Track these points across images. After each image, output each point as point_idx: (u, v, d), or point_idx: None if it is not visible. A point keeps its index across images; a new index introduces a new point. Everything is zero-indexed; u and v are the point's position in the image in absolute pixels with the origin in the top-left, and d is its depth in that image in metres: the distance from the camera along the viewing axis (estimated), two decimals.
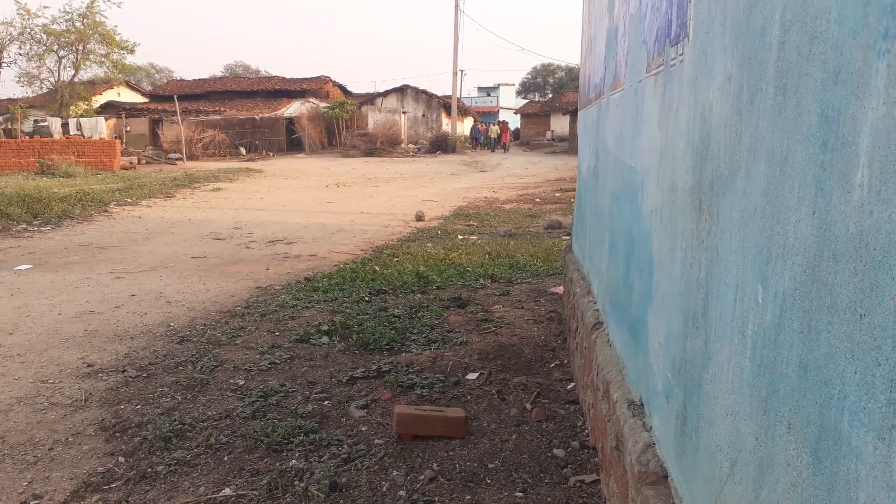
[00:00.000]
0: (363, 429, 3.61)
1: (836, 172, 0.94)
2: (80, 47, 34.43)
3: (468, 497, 2.94)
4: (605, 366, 2.86)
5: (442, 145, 36.57)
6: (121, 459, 3.33)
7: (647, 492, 1.90)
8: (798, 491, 1.03)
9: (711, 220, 1.55)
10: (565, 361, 4.58)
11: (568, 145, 36.55)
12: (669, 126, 2.03)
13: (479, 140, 43.67)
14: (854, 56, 0.89)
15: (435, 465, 3.20)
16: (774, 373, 1.14)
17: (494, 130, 43.63)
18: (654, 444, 2.04)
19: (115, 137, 30.11)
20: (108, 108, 36.48)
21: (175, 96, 34.57)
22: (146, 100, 42.51)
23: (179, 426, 3.63)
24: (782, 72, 1.14)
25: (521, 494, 2.95)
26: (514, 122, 53.92)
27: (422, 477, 3.10)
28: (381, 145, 34.43)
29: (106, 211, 13.67)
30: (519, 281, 7.06)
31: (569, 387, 4.14)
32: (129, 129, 34.55)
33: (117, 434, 3.61)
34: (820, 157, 0.99)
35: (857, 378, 0.86)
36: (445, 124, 41.03)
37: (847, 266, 0.89)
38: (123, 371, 4.55)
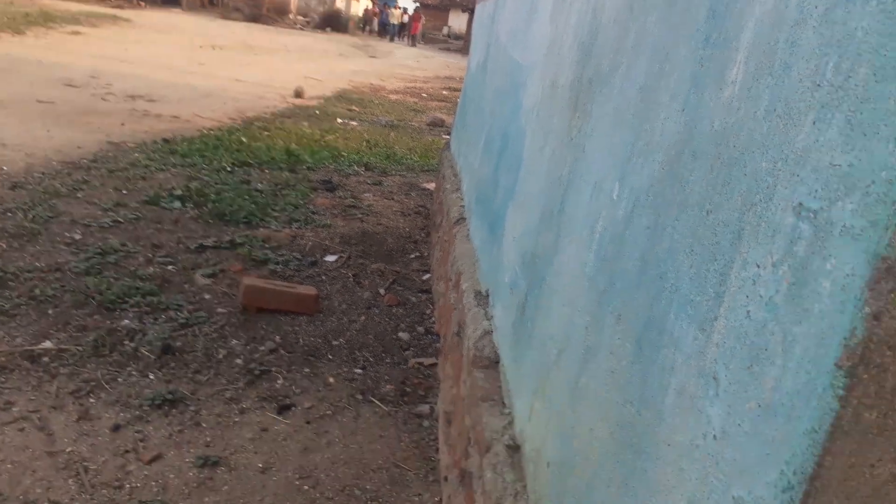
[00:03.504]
0: (207, 297, 3.47)
1: (713, 68, 0.92)
2: None
3: (307, 370, 2.94)
4: (461, 258, 2.89)
5: (334, 23, 34.64)
6: None
7: (477, 374, 1.95)
8: (615, 377, 1.07)
9: (584, 117, 1.53)
10: (426, 254, 4.62)
11: (463, 44, 35.74)
12: (561, 20, 1.97)
13: (387, 28, 37.02)
14: None
15: (278, 337, 3.16)
16: (615, 267, 1.16)
17: (396, 15, 37.17)
18: (492, 331, 2.10)
19: None
20: None
21: None
22: None
23: (1, 274, 3.31)
24: None
25: (360, 371, 2.99)
26: (412, 10, 51.87)
27: (262, 348, 3.05)
28: (268, 13, 32.07)
29: None
30: (393, 173, 6.97)
31: (424, 277, 4.20)
32: None
33: None
34: (700, 53, 0.96)
35: (691, 273, 0.87)
36: (340, 1, 38.78)
37: (704, 163, 0.89)
38: None
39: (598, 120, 1.42)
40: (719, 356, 0.77)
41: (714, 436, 0.75)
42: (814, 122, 0.66)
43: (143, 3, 31.05)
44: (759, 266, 0.72)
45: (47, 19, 17.51)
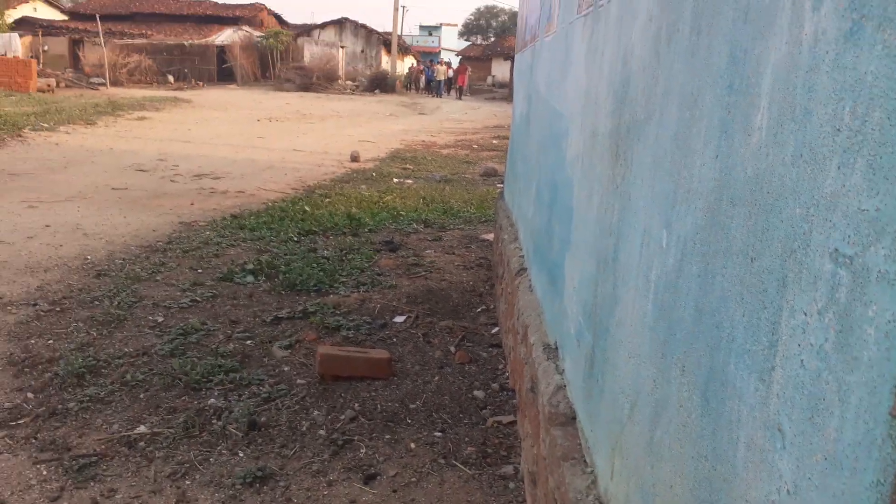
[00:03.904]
0: (285, 369, 3.58)
1: (739, 114, 0.93)
2: None
3: (388, 436, 2.96)
4: (526, 310, 2.89)
5: (381, 84, 35.73)
6: (30, 395, 3.20)
7: (555, 432, 1.94)
8: (688, 431, 1.06)
9: (626, 165, 1.55)
10: (492, 307, 4.63)
11: (508, 91, 36.16)
12: (594, 70, 2.00)
13: (432, 83, 36.82)
14: None
15: (356, 405, 3.21)
16: (673, 316, 1.16)
17: (442, 71, 36.64)
18: (565, 386, 2.09)
19: (31, 57, 28.14)
20: (23, 25, 33.92)
21: (98, 16, 32.39)
22: (66, 18, 39.68)
23: (93, 362, 3.51)
24: (699, 11, 1.12)
25: (440, 434, 3.00)
26: (455, 64, 53.00)
27: (342, 416, 3.10)
28: (318, 80, 33.40)
29: (20, 136, 12.84)
30: (452, 227, 7.06)
31: (493, 331, 4.20)
32: (46, 48, 32.35)
33: (26, 369, 3.46)
34: (726, 100, 0.98)
35: (744, 321, 0.87)
36: (385, 62, 40.03)
37: (743, 210, 0.89)
38: (35, 305, 4.34)
39: (639, 168, 1.43)
40: (781, 407, 0.76)
41: (787, 490, 0.74)
42: (838, 167, 0.67)
43: (201, 83, 32.89)
44: (805, 314, 0.71)
45: (115, 108, 18.75)
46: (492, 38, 63.23)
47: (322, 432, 2.97)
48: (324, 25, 40.26)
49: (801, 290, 0.73)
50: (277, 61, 35.91)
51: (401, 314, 4.40)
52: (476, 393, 3.38)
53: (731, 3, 0.97)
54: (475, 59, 51.08)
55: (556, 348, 2.34)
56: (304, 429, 3.00)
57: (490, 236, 6.44)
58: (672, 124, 1.22)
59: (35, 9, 37.89)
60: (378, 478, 2.68)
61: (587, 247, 1.93)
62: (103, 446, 2.82)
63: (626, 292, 1.47)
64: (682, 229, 1.13)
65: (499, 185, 9.37)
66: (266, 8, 42.22)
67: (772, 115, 0.82)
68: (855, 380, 0.63)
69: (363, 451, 2.86)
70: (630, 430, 1.39)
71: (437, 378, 3.52)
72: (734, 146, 0.93)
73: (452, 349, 3.89)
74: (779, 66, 0.81)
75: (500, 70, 46.75)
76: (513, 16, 63.41)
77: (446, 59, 43.13)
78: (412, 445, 2.90)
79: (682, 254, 1.13)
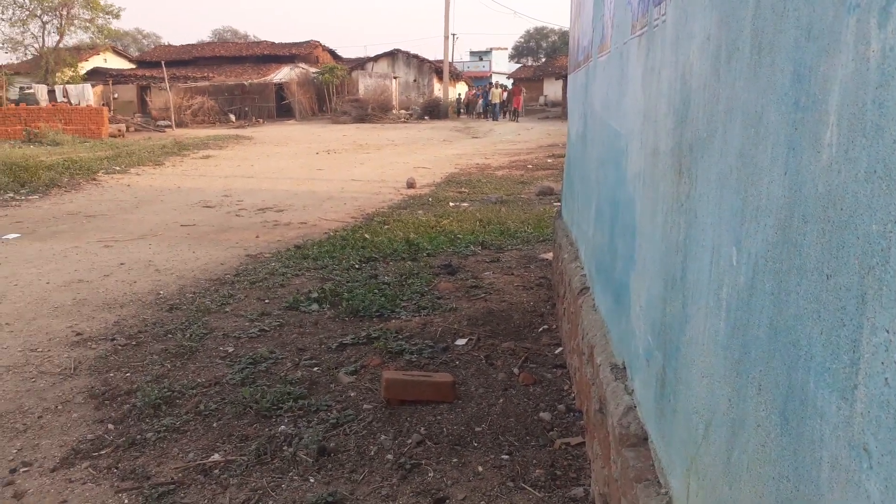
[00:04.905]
0: (352, 394, 3.64)
1: (807, 132, 0.92)
2: (64, 12, 33.76)
3: (455, 460, 2.97)
4: (590, 330, 2.87)
5: (434, 111, 36.18)
6: (110, 426, 3.34)
7: (627, 454, 1.92)
8: (767, 451, 1.04)
9: (690, 182, 1.54)
10: (554, 326, 4.60)
11: (561, 110, 35.92)
12: (652, 88, 2.00)
13: (489, 108, 35.88)
14: (826, 11, 0.87)
15: (422, 429, 3.23)
16: (747, 335, 1.14)
17: (497, 94, 35.85)
18: (635, 406, 2.06)
19: (103, 104, 29.69)
20: (95, 75, 35.91)
21: (163, 62, 33.99)
22: (133, 66, 41.81)
23: (168, 393, 3.64)
24: (758, 30, 1.12)
25: (507, 457, 2.99)
26: (508, 85, 53.13)
27: (409, 441, 3.13)
28: (372, 111, 34.08)
29: (94, 179, 13.54)
30: (509, 248, 7.06)
31: (556, 351, 4.17)
32: (116, 96, 34.08)
33: (107, 402, 3.62)
34: (792, 117, 0.97)
35: (822, 339, 0.86)
36: (437, 89, 40.55)
37: (815, 227, 0.89)
38: (112, 339, 4.55)
39: (705, 185, 1.43)
40: (866, 426, 0.75)
41: None
42: None
43: (261, 120, 33.98)
44: (888, 331, 0.70)
45: (181, 148, 19.57)
46: (542, 59, 63.25)
47: (390, 457, 3.00)
48: (377, 58, 41.16)
49: (882, 308, 0.72)
50: (333, 95, 36.84)
51: (462, 337, 4.42)
52: (542, 415, 3.36)
53: (793, 21, 0.97)
54: (526, 80, 51.15)
55: (624, 368, 2.31)
56: (373, 453, 3.03)
57: (549, 255, 6.41)
58: (736, 141, 1.22)
59: (105, 59, 40.06)
60: (447, 501, 2.69)
61: (653, 264, 1.91)
62: (180, 474, 2.92)
63: (697, 311, 1.46)
64: (752, 246, 1.12)
65: (556, 204, 9.33)
66: (321, 45, 43.45)
67: (841, 131, 0.82)
68: None
69: (431, 474, 2.87)
70: (705, 450, 1.36)
71: (501, 400, 3.51)
72: (803, 163, 0.93)
73: (516, 371, 3.88)
74: (846, 83, 0.81)
75: (551, 89, 46.71)
76: (563, 35, 63.40)
77: (501, 83, 43.11)
78: (480, 468, 2.90)
79: (753, 271, 1.12)
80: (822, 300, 0.86)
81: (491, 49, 68.46)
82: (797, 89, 0.96)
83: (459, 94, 43.19)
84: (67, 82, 32.31)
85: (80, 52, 36.39)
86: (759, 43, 1.12)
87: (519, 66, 64.06)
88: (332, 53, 44.96)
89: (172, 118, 30.78)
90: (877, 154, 0.74)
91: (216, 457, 3.04)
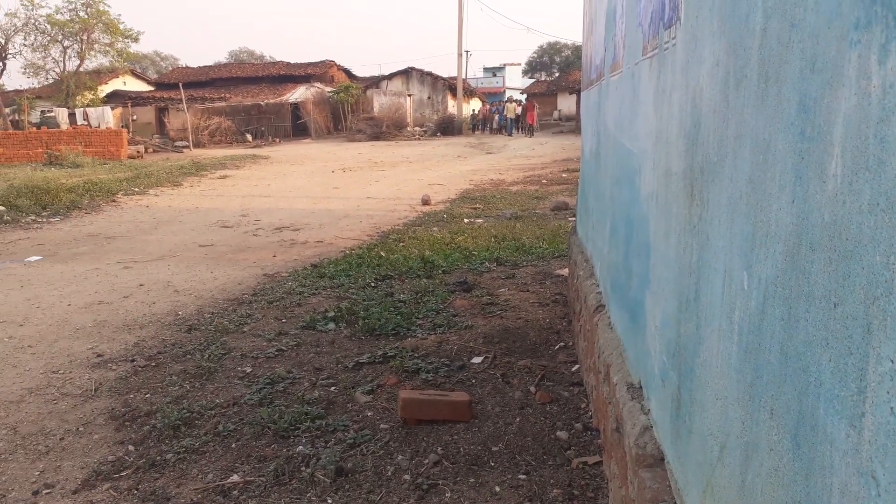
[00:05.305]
0: (369, 414, 3.65)
1: (812, 162, 0.94)
2: (85, 37, 34.40)
3: (472, 480, 2.97)
4: (607, 348, 2.88)
5: (448, 127, 36.35)
6: (131, 448, 3.38)
7: (644, 474, 1.92)
8: (780, 476, 1.05)
9: (702, 205, 1.56)
10: (570, 344, 4.60)
11: (575, 125, 35.87)
12: (664, 110, 2.02)
13: (506, 124, 36.34)
14: (829, 45, 0.89)
15: (439, 448, 3.24)
16: (759, 359, 1.15)
17: (511, 109, 36.58)
18: (651, 426, 2.06)
19: (122, 126, 30.20)
20: (114, 98, 36.53)
21: (180, 84, 34.55)
22: (152, 88, 42.48)
23: (188, 414, 3.68)
24: (765, 59, 1.14)
25: (524, 476, 2.98)
26: (522, 100, 53.21)
27: (426, 461, 3.13)
28: (387, 129, 34.31)
29: (114, 201, 13.74)
30: (525, 264, 7.07)
31: (573, 369, 4.17)
32: (135, 118, 34.63)
33: (127, 423, 3.66)
34: (798, 146, 0.99)
35: (831, 366, 0.87)
36: (451, 106, 40.76)
37: (822, 255, 0.90)
38: (133, 361, 4.61)
39: (716, 208, 1.44)
40: (874, 454, 0.76)
41: None
42: None
43: (277, 140, 34.34)
44: (893, 361, 0.72)
45: (198, 169, 19.80)
46: (556, 74, 63.36)
47: (407, 477, 3.01)
48: (391, 76, 41.52)
49: (887, 338, 0.73)
50: (348, 113, 37.17)
51: (478, 355, 4.43)
52: (559, 433, 3.35)
53: (798, 53, 0.99)
54: (540, 95, 51.18)
55: (641, 388, 2.32)
56: (390, 474, 3.04)
57: (564, 272, 6.41)
58: (746, 167, 1.23)
59: (124, 82, 40.74)
60: None
61: (667, 284, 1.92)
62: (199, 496, 2.94)
63: (710, 333, 1.47)
64: (763, 272, 1.14)
65: (570, 219, 9.34)
66: (336, 64, 43.92)
67: (846, 163, 0.84)
68: None
69: (448, 494, 2.88)
70: (720, 472, 1.37)
71: (518, 419, 3.51)
72: (810, 192, 0.94)
73: (532, 389, 3.88)
74: (849, 116, 0.83)
75: (565, 104, 46.76)
76: (576, 49, 63.53)
77: (515, 97, 43.16)
78: (497, 489, 2.90)
79: (764, 296, 1.13)
80: (829, 328, 0.88)
81: (504, 65, 68.73)
82: (803, 119, 0.98)
83: (474, 110, 43.33)
84: (87, 105, 32.89)
85: (100, 75, 37.03)
86: (765, 72, 1.14)
87: (532, 81, 64.19)
88: (347, 72, 45.40)
89: (190, 139, 31.20)
90: (879, 187, 0.75)
91: (235, 478, 3.07)
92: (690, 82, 1.69)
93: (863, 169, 0.79)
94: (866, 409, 0.77)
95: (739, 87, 1.28)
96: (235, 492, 2.96)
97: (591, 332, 3.44)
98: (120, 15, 44.53)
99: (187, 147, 30.41)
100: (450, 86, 41.39)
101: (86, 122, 29.69)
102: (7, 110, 31.98)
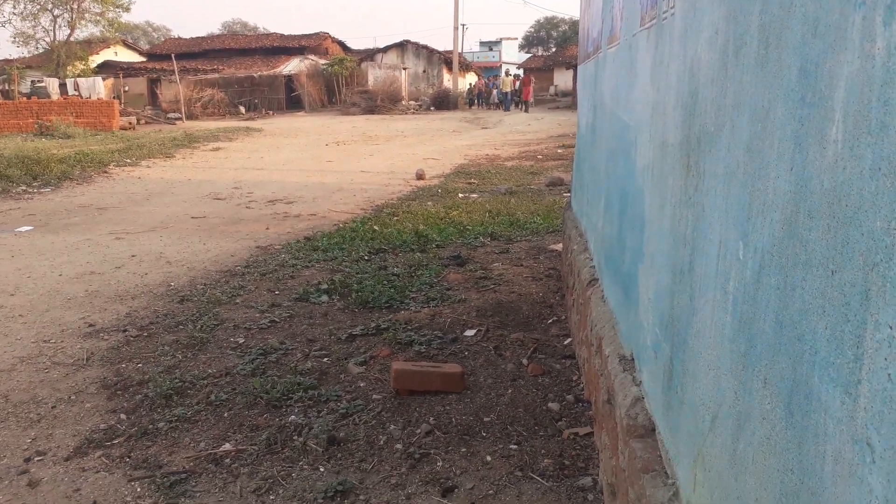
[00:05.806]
0: (361, 385, 3.66)
1: (812, 128, 0.93)
2: (75, 5, 33.87)
3: (463, 449, 3.00)
4: (599, 321, 2.88)
5: (443, 102, 36.06)
6: (122, 416, 3.39)
7: (634, 444, 1.93)
8: (772, 444, 1.05)
9: (698, 176, 1.54)
10: (563, 318, 4.61)
11: (571, 100, 35.62)
12: (661, 81, 2.00)
13: (506, 99, 35.15)
14: (832, 8, 0.87)
15: (431, 419, 3.26)
16: (753, 329, 1.15)
17: (507, 83, 35.64)
18: (642, 398, 2.07)
19: (114, 97, 29.83)
20: (106, 68, 36.06)
21: (173, 55, 34.08)
22: (144, 59, 41.96)
23: (180, 384, 3.68)
24: (765, 25, 1.12)
25: (515, 447, 3.01)
26: (518, 75, 52.75)
27: (418, 431, 3.15)
28: (382, 102, 34.02)
29: (105, 172, 13.63)
30: (519, 238, 7.07)
31: (565, 342, 4.18)
32: (127, 88, 34.21)
33: (119, 392, 3.66)
34: (798, 113, 0.98)
35: (827, 334, 0.87)
36: (447, 80, 40.41)
37: (821, 222, 0.89)
38: (124, 330, 4.60)
39: (712, 179, 1.43)
40: (869, 421, 0.75)
41: None
42: None
43: (270, 112, 34.02)
44: (891, 328, 0.71)
45: (191, 141, 19.62)
46: (553, 49, 62.84)
47: (399, 446, 3.03)
48: (386, 49, 41.04)
49: (886, 304, 0.72)
50: (343, 86, 36.79)
51: (471, 328, 4.44)
52: (551, 405, 3.37)
53: (799, 18, 0.97)
54: (537, 70, 50.78)
55: (633, 360, 2.32)
56: (382, 443, 3.06)
57: (558, 247, 6.41)
58: (744, 136, 1.22)
59: (116, 53, 40.20)
60: (456, 490, 2.71)
61: (661, 257, 1.92)
62: (192, 463, 2.95)
63: (704, 304, 1.46)
64: (759, 241, 1.13)
65: (565, 195, 9.32)
66: (330, 36, 43.39)
67: (847, 128, 0.82)
68: None
69: (440, 464, 2.90)
70: (712, 441, 1.38)
71: (510, 391, 3.53)
72: (809, 159, 0.93)
73: (525, 361, 3.89)
74: (852, 80, 0.81)
75: (562, 79, 46.45)
76: (573, 24, 62.91)
77: (512, 72, 42.63)
78: (488, 458, 2.93)
79: (760, 265, 1.12)
80: (826, 295, 0.87)
81: (501, 39, 68.05)
82: (803, 85, 0.96)
83: (470, 84, 42.96)
84: (78, 76, 32.46)
85: (91, 45, 36.51)
86: (766, 38, 1.12)
87: (529, 55, 63.70)
88: (342, 45, 44.89)
89: (182, 110, 30.87)
90: (881, 151, 0.74)
91: (227, 446, 3.08)
92: (689, 52, 1.67)
93: (864, 133, 0.78)
94: (863, 376, 0.77)
95: (739, 54, 1.26)
96: (228, 460, 2.97)
97: (584, 305, 3.45)
98: None
99: (180, 119, 30.09)
100: (445, 59, 40.98)
101: (77, 93, 29.30)
102: None
